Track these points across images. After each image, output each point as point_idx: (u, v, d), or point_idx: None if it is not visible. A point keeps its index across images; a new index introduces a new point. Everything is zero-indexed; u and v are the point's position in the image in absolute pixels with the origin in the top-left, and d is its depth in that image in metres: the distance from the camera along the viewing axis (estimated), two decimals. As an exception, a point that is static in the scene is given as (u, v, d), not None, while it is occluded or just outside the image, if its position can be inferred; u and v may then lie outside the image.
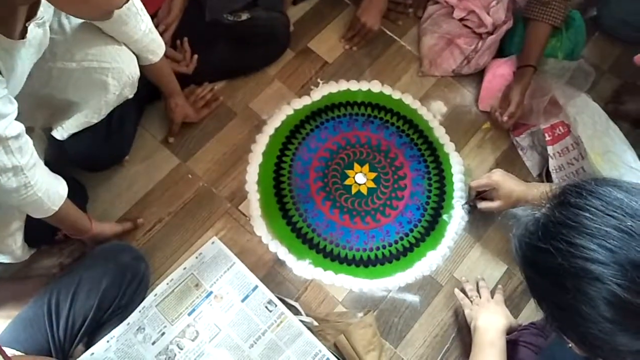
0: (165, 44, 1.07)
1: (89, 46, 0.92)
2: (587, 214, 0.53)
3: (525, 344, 0.94)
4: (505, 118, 1.25)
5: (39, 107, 0.96)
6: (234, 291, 1.06)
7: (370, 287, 1.14)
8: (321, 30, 1.39)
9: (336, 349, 1.05)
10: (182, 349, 1.01)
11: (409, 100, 1.33)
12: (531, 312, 1.12)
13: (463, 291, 1.12)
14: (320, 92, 1.32)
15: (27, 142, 0.77)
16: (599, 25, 1.46)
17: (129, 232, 1.12)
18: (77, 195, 1.02)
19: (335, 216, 1.20)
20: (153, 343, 1.00)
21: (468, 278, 1.15)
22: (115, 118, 1.06)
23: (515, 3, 1.35)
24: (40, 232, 1.01)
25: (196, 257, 1.09)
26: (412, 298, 1.14)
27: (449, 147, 1.29)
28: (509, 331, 1.00)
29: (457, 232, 1.21)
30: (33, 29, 0.76)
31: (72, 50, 0.91)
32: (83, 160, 1.09)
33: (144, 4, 0.94)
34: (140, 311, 1.01)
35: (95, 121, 1.00)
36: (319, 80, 1.33)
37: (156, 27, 1.02)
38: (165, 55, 1.07)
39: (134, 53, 0.98)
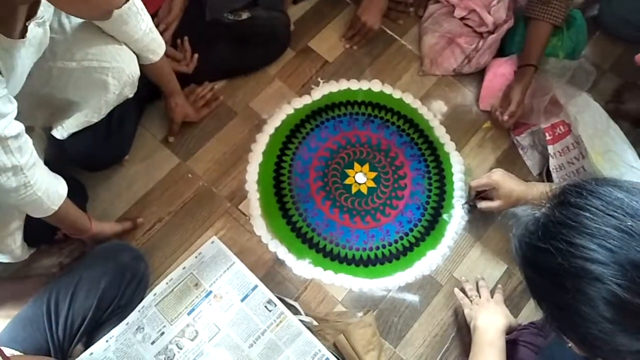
0: (166, 43, 1.07)
1: (89, 45, 0.92)
2: (587, 214, 0.53)
3: (525, 344, 0.94)
4: (505, 117, 1.24)
5: (38, 107, 0.96)
6: (234, 291, 1.06)
7: (370, 286, 1.14)
8: (322, 29, 1.39)
9: (336, 349, 1.05)
10: (181, 349, 1.01)
11: (409, 99, 1.33)
12: (531, 312, 1.12)
13: (463, 291, 1.12)
14: (321, 91, 1.32)
15: (27, 141, 0.77)
16: (600, 24, 1.46)
17: (128, 231, 1.12)
18: (77, 194, 1.02)
19: (335, 216, 1.20)
20: (152, 343, 1.00)
21: (468, 278, 1.15)
22: (115, 117, 1.06)
23: (516, 2, 1.34)
24: (39, 232, 1.01)
25: (196, 257, 1.09)
26: (412, 298, 1.14)
27: (449, 146, 1.29)
28: (509, 331, 0.99)
29: (457, 232, 1.21)
30: (33, 29, 0.76)
31: (72, 49, 0.91)
32: (83, 159, 1.09)
33: (144, 4, 0.94)
34: (139, 311, 1.01)
35: (95, 120, 1.00)
36: (319, 79, 1.33)
37: (156, 26, 1.02)
38: (166, 54, 1.07)
39: (134, 52, 0.98)
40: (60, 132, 1.00)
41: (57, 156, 1.04)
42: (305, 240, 1.17)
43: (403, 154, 1.27)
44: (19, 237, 0.96)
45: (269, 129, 1.26)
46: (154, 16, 1.08)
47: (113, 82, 0.95)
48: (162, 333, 1.01)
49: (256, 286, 1.06)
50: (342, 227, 1.19)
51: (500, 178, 1.11)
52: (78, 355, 0.96)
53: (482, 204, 1.16)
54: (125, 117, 1.11)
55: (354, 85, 1.33)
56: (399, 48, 1.40)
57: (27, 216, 0.92)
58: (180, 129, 1.22)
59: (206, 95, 1.25)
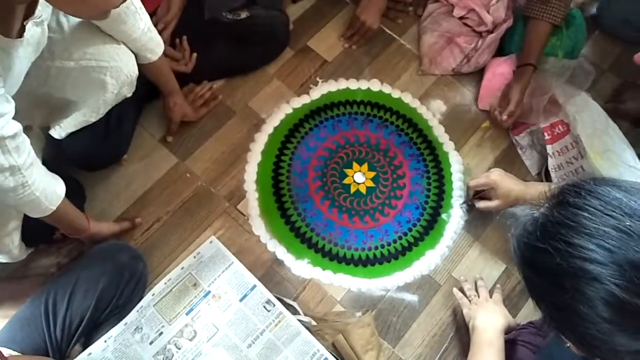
0: (164, 42, 1.06)
1: (87, 45, 0.92)
2: (586, 214, 0.53)
3: (524, 344, 0.94)
4: (504, 117, 1.24)
5: (36, 106, 0.96)
6: (232, 291, 1.06)
7: (369, 286, 1.14)
8: (321, 28, 1.39)
9: (334, 349, 1.05)
10: (180, 349, 1.00)
11: (408, 99, 1.33)
12: (530, 312, 1.12)
13: (461, 290, 1.12)
14: (320, 90, 1.32)
15: (25, 141, 0.77)
16: (599, 25, 1.46)
17: (127, 231, 1.11)
18: (75, 194, 1.02)
19: (334, 215, 1.19)
20: (151, 343, 1.00)
21: (467, 277, 1.15)
22: (114, 117, 1.06)
23: (515, 1, 1.34)
24: (37, 232, 1.01)
25: (194, 257, 1.09)
26: (411, 297, 1.14)
27: (448, 146, 1.29)
28: (508, 330, 1.00)
29: (456, 232, 1.21)
30: (31, 28, 0.75)
31: (70, 49, 0.90)
32: (81, 159, 1.09)
33: (142, 3, 0.94)
34: (137, 311, 1.01)
35: (94, 120, 1.00)
36: (318, 79, 1.33)
37: (155, 25, 1.02)
38: (164, 53, 1.07)
39: (132, 52, 0.98)
40: (58, 131, 1.00)
41: (55, 156, 1.04)
42: (304, 240, 1.17)
43: (402, 154, 1.27)
44: (16, 237, 0.96)
45: (268, 128, 1.26)
46: (152, 15, 1.07)
47: (111, 81, 0.94)
48: (161, 333, 1.01)
49: (255, 286, 1.06)
50: (340, 227, 1.19)
51: (499, 178, 1.11)
52: (76, 356, 0.96)
53: (481, 204, 1.16)
54: (124, 117, 1.11)
55: (352, 84, 1.33)
56: (398, 47, 1.40)
57: (25, 216, 0.92)
58: (179, 128, 1.22)
59: (205, 95, 1.25)
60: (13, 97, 0.75)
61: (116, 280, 0.96)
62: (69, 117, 0.98)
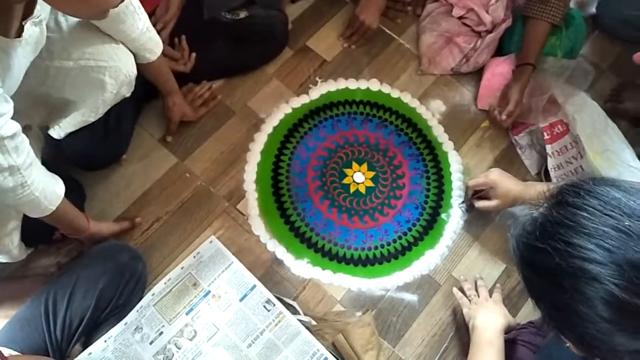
0: (163, 42, 1.06)
1: (86, 45, 0.92)
2: (585, 214, 0.53)
3: (524, 343, 0.94)
4: (504, 117, 1.24)
5: (35, 106, 0.96)
6: (232, 290, 1.06)
7: (369, 286, 1.14)
8: (320, 28, 1.39)
9: (334, 348, 1.05)
10: (180, 349, 1.00)
11: (407, 98, 1.33)
12: (529, 311, 1.12)
13: (461, 290, 1.12)
14: (319, 90, 1.32)
15: (24, 141, 0.77)
16: (599, 24, 1.46)
17: (126, 231, 1.11)
18: (75, 194, 1.01)
19: (333, 215, 1.19)
20: (151, 342, 1.00)
21: (466, 277, 1.15)
22: (113, 117, 1.06)
23: (514, 1, 1.34)
24: (37, 232, 1.01)
25: (194, 257, 1.09)
26: (411, 297, 1.14)
27: (447, 145, 1.29)
28: (507, 330, 1.00)
29: (456, 231, 1.21)
30: (29, 28, 0.75)
31: (69, 48, 0.90)
32: (80, 159, 1.09)
33: (141, 2, 0.94)
34: (137, 311, 1.01)
35: (93, 120, 1.00)
36: (317, 78, 1.33)
37: (154, 25, 1.02)
38: (163, 53, 1.07)
39: (131, 51, 0.98)
40: (58, 131, 1.00)
41: (54, 156, 1.04)
42: (304, 239, 1.17)
43: (401, 154, 1.27)
44: (16, 237, 0.96)
45: (267, 128, 1.26)
46: (151, 15, 1.07)
47: (110, 81, 0.94)
48: (161, 333, 1.01)
49: (255, 286, 1.06)
50: (340, 227, 1.19)
51: (498, 177, 1.11)
52: (76, 355, 0.96)
53: (480, 204, 1.16)
54: (123, 117, 1.11)
55: (352, 84, 1.33)
56: (397, 47, 1.40)
57: (25, 216, 0.92)
58: (178, 128, 1.22)
59: (204, 95, 1.25)
60: (12, 97, 0.75)
61: (116, 280, 0.96)
62: (68, 117, 0.98)
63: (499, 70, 1.31)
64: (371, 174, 1.24)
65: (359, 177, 1.24)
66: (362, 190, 1.22)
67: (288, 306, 1.07)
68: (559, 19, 1.22)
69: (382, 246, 1.18)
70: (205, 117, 1.25)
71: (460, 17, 1.33)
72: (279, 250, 1.15)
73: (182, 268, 1.07)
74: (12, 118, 0.73)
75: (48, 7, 0.80)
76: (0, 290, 1.05)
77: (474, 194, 1.18)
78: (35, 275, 1.06)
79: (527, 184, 1.12)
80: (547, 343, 0.89)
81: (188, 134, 1.24)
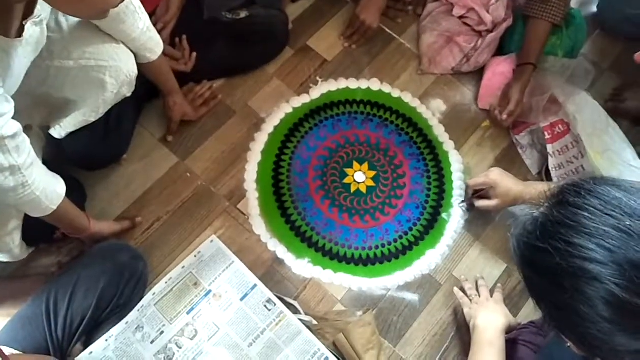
0: (164, 42, 1.06)
1: (86, 44, 0.92)
2: (586, 214, 0.53)
3: (525, 343, 0.94)
4: (504, 116, 1.24)
5: (36, 106, 0.96)
6: (233, 290, 1.06)
7: (370, 285, 1.14)
8: (320, 28, 1.39)
9: (335, 348, 1.05)
10: (180, 348, 1.00)
11: (408, 98, 1.33)
12: (530, 311, 1.12)
13: (462, 290, 1.12)
14: (320, 90, 1.31)
15: (24, 141, 0.77)
16: (600, 23, 1.46)
17: (127, 231, 1.12)
18: (76, 194, 1.02)
19: (334, 215, 1.20)
20: (152, 342, 1.00)
21: (467, 277, 1.15)
22: (113, 116, 1.06)
23: (515, 1, 1.34)
24: (38, 231, 1.01)
25: (195, 256, 1.09)
26: (411, 297, 1.14)
27: (448, 145, 1.29)
28: (508, 330, 1.00)
29: (457, 231, 1.21)
30: (30, 28, 0.75)
31: (69, 48, 0.90)
32: (81, 158, 1.09)
33: (142, 2, 0.94)
34: (138, 310, 1.01)
35: (93, 120, 1.00)
36: (318, 78, 1.33)
37: (154, 25, 1.02)
38: (164, 53, 1.07)
39: (132, 51, 0.98)
40: (58, 131, 1.00)
41: (55, 155, 1.04)
42: (305, 239, 1.17)
43: (402, 153, 1.27)
44: (17, 237, 0.96)
45: (268, 127, 1.26)
46: (151, 15, 1.07)
47: (111, 81, 0.94)
48: (162, 332, 1.01)
49: (255, 285, 1.06)
50: (341, 226, 1.19)
51: (498, 177, 1.11)
52: (77, 355, 0.96)
53: (480, 203, 1.16)
54: (123, 116, 1.11)
55: (352, 84, 1.33)
56: (397, 47, 1.39)
57: (26, 215, 0.92)
58: (179, 128, 1.22)
59: (205, 94, 1.25)
60: (13, 97, 0.75)
61: (117, 279, 0.96)
62: (68, 117, 0.98)
63: (500, 70, 1.31)
64: (372, 173, 1.24)
65: (360, 176, 1.24)
66: (363, 189, 1.22)
67: (289, 306, 1.07)
68: (560, 19, 1.22)
69: (383, 246, 1.18)
70: (206, 116, 1.25)
71: (460, 17, 1.33)
72: (280, 250, 1.15)
73: (183, 267, 1.07)
74: (13, 118, 0.73)
75: (48, 7, 0.80)
76: (1, 290, 1.05)
77: (474, 194, 1.18)
78: (36, 274, 1.06)
79: (527, 183, 1.12)
80: (548, 343, 0.89)
81: (189, 133, 1.24)
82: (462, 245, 1.19)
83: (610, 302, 0.50)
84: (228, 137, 1.25)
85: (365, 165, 1.25)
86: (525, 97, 1.26)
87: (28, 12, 0.73)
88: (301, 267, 1.14)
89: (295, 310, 1.07)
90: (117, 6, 0.71)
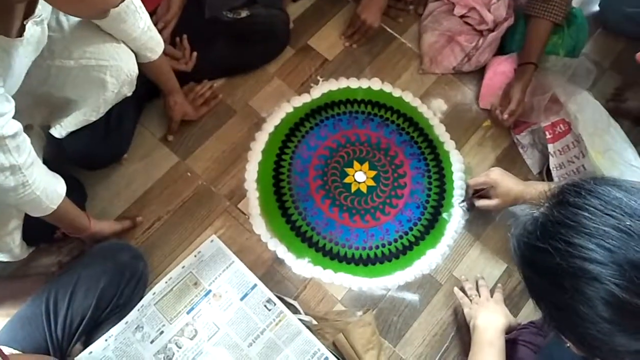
0: (164, 41, 1.06)
1: (87, 44, 0.92)
2: (586, 214, 0.53)
3: (525, 343, 0.94)
4: (505, 116, 1.24)
5: (37, 106, 0.96)
6: (233, 290, 1.06)
7: (370, 285, 1.14)
8: (321, 27, 1.39)
9: (335, 348, 1.05)
10: (180, 348, 1.00)
11: (409, 98, 1.33)
12: (530, 311, 1.12)
13: (462, 290, 1.12)
14: (320, 89, 1.31)
15: (25, 140, 0.77)
16: (602, 22, 1.46)
17: (127, 230, 1.12)
18: (76, 193, 1.02)
19: (334, 214, 1.19)
20: (152, 342, 1.00)
21: (467, 277, 1.15)
22: (114, 116, 1.06)
23: (516, 0, 1.34)
24: (38, 231, 1.01)
25: (195, 256, 1.09)
26: (412, 297, 1.14)
27: (449, 145, 1.29)
28: (508, 330, 0.99)
29: (457, 231, 1.20)
30: (31, 27, 0.75)
31: (70, 48, 0.90)
32: (81, 158, 1.09)
33: (142, 2, 0.94)
34: (138, 310, 1.01)
35: (94, 119, 1.00)
36: (318, 77, 1.33)
37: (155, 24, 1.02)
38: (164, 52, 1.07)
39: (132, 51, 0.98)
40: (59, 130, 1.00)
41: (55, 155, 1.04)
42: (305, 239, 1.17)
43: (403, 153, 1.27)
44: (17, 236, 0.96)
45: (269, 127, 1.26)
46: (152, 14, 1.07)
47: (111, 80, 0.95)
48: (162, 332, 1.01)
49: (255, 285, 1.06)
50: (341, 226, 1.19)
51: (498, 177, 1.11)
52: (77, 354, 0.96)
53: (480, 203, 1.15)
54: (124, 116, 1.11)
55: (353, 83, 1.33)
56: (398, 46, 1.39)
57: (26, 215, 0.92)
58: (179, 127, 1.22)
59: (205, 94, 1.25)
60: (13, 97, 0.75)
61: (117, 279, 0.96)
62: (69, 116, 0.98)
63: (501, 69, 1.30)
64: (372, 173, 1.24)
65: (360, 176, 1.24)
66: (364, 189, 1.22)
67: (289, 305, 1.07)
68: (561, 18, 1.22)
69: (383, 245, 1.18)
70: (206, 116, 1.25)
71: (461, 16, 1.33)
72: (280, 250, 1.15)
73: (183, 267, 1.07)
74: (13, 117, 0.73)
75: (49, 7, 0.80)
76: (1, 289, 1.05)
77: (475, 193, 1.18)
78: (37, 274, 1.06)
79: (527, 183, 1.12)
80: (548, 343, 0.89)
81: (189, 133, 1.24)
82: (462, 245, 1.19)
83: (610, 303, 0.50)
84: (228, 137, 1.25)
85: (366, 165, 1.25)
86: (527, 96, 1.25)
87: (29, 12, 0.73)
88: (301, 266, 1.14)
89: (295, 310, 1.07)
90: (117, 6, 0.71)
